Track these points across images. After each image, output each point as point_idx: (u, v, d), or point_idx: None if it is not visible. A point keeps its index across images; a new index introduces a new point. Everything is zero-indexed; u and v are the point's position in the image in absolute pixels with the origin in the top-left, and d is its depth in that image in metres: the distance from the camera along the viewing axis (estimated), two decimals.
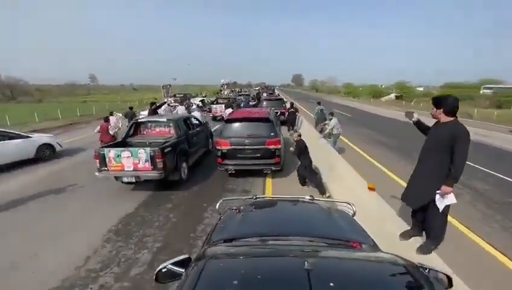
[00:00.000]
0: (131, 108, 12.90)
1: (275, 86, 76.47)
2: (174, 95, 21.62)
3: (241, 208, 2.31)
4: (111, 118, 9.16)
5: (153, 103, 14.01)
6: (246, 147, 6.56)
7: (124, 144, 6.72)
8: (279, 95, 28.28)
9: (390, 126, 16.69)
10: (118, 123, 9.46)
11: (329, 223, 2.06)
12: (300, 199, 2.55)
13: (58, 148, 9.13)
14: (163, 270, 1.56)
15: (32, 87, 60.90)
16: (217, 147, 6.74)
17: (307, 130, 11.26)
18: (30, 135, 8.70)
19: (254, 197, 2.63)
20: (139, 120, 7.50)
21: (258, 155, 6.59)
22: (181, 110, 13.27)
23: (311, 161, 6.03)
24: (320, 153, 7.42)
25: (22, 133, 8.63)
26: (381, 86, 61.39)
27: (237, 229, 1.91)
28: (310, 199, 2.51)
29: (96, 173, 5.83)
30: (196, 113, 12.52)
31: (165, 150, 5.76)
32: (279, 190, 6.23)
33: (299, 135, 6.10)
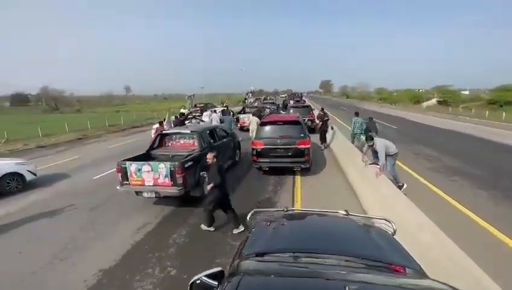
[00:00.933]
0: (176, 117, 13.56)
1: (302, 93, 74.98)
2: (195, 105, 22.62)
3: (272, 220, 2.24)
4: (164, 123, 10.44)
5: (182, 114, 14.44)
6: (278, 146, 7.18)
7: (147, 156, 6.49)
8: (305, 102, 27.41)
9: (454, 141, 12.79)
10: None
11: (368, 242, 1.87)
12: (333, 213, 2.42)
13: (29, 177, 7.37)
14: (197, 282, 1.55)
15: (74, 99, 66.93)
16: (252, 147, 7.48)
17: (341, 141, 10.20)
18: None
19: (285, 210, 2.54)
20: (164, 132, 7.32)
21: (289, 154, 7.14)
22: (215, 118, 13.46)
23: (227, 193, 4.75)
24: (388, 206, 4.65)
25: None
26: (419, 90, 56.94)
27: (269, 243, 1.83)
28: (344, 214, 2.37)
29: (118, 187, 5.68)
30: (227, 117, 12.77)
31: (186, 165, 5.36)
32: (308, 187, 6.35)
33: (215, 157, 4.68)
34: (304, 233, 2.10)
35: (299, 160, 7.08)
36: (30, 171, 7.46)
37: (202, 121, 14.39)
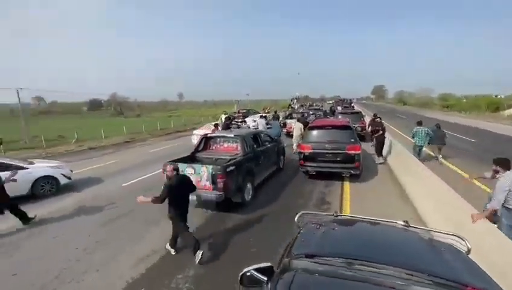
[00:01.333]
0: (228, 118, 14.78)
1: (351, 99, 70.52)
2: (238, 111, 23.93)
3: (322, 224, 2.15)
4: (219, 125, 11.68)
5: (228, 118, 15.01)
6: (327, 151, 7.05)
7: (192, 158, 6.55)
8: (353, 108, 25.66)
9: None
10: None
11: (435, 257, 1.63)
12: (391, 223, 2.18)
13: (63, 181, 7.30)
14: (247, 274, 1.58)
15: (136, 104, 75.67)
16: (300, 151, 7.56)
17: (401, 154, 8.64)
18: (26, 166, 6.81)
19: (335, 214, 2.41)
20: (209, 135, 7.38)
21: (338, 159, 6.98)
22: (261, 123, 13.48)
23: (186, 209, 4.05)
24: None
25: (16, 163, 6.78)
26: (497, 96, 48.34)
27: (319, 246, 1.75)
28: (403, 225, 2.11)
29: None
30: (276, 123, 13.21)
31: (228, 170, 5.17)
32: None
33: (175, 169, 3.98)
34: (357, 240, 1.95)
35: (349, 166, 6.90)
36: (64, 175, 7.39)
37: (245, 127, 14.74)
